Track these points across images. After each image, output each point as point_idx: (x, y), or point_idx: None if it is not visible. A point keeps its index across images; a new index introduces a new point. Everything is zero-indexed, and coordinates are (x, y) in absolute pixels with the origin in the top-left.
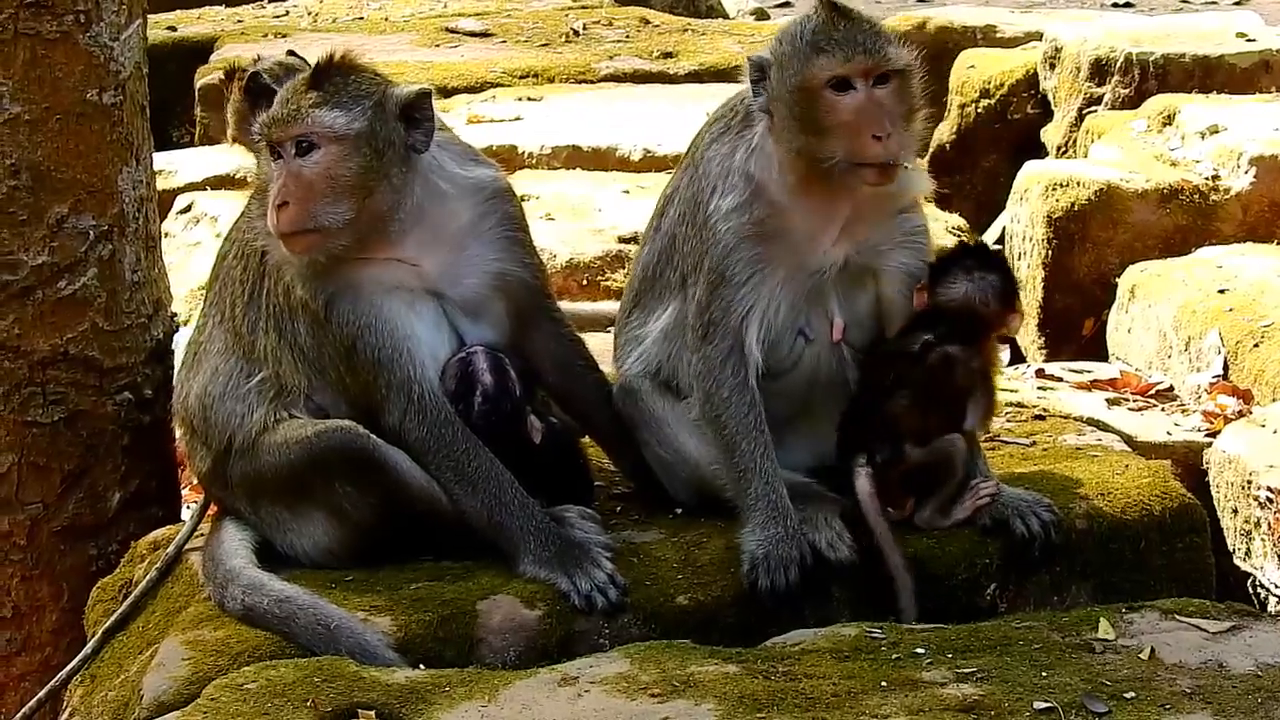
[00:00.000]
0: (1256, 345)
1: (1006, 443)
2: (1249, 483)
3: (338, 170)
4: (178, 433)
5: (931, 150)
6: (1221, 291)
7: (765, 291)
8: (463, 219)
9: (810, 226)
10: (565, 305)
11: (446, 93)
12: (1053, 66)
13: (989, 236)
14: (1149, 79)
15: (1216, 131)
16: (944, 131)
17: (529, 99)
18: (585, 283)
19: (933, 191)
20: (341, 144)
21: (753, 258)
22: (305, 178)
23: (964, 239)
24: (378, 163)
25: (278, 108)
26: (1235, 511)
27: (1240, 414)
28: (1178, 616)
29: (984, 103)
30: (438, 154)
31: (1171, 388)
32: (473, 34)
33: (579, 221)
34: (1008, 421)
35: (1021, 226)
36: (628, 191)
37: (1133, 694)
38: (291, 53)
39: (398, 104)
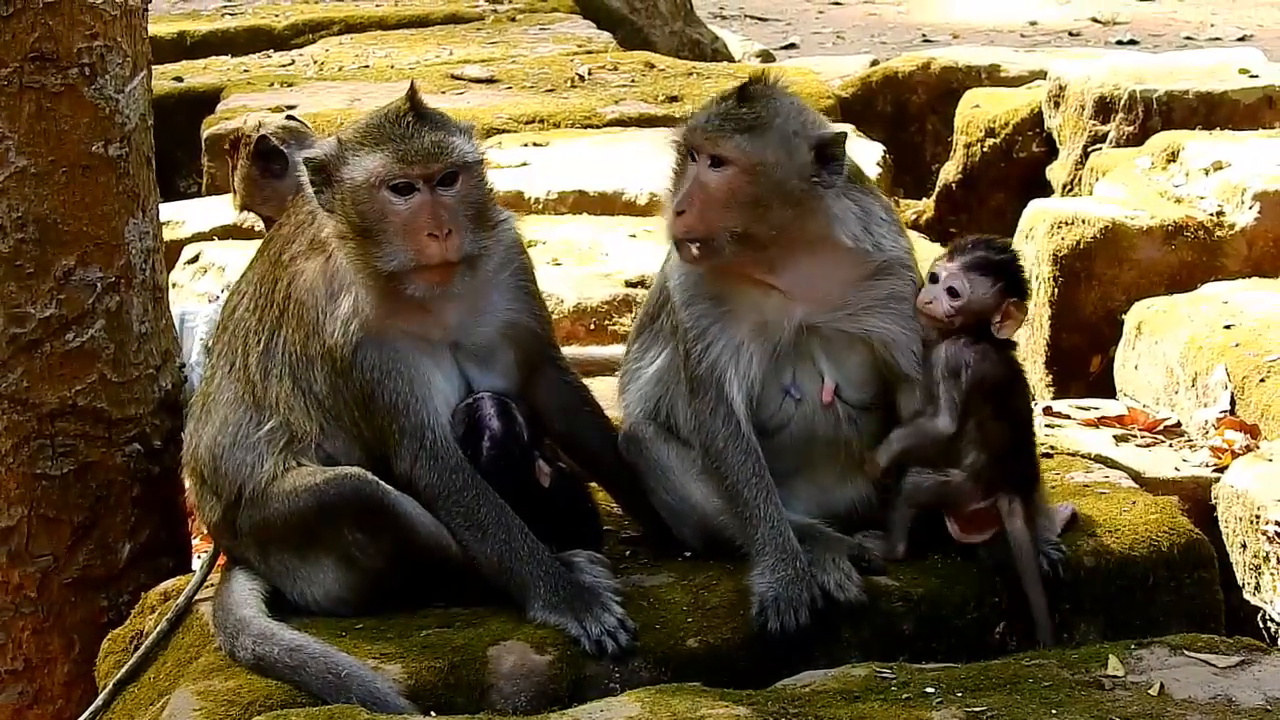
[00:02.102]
0: (1263, 380)
1: None
2: (1257, 517)
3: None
4: (188, 484)
5: (938, 189)
6: (1228, 327)
7: (731, 348)
8: (486, 271)
9: (751, 287)
10: (572, 350)
11: None
12: (1057, 105)
13: None
14: (1153, 116)
15: (1221, 168)
16: (950, 171)
17: (535, 145)
18: (592, 327)
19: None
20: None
21: (706, 313)
22: (454, 208)
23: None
24: None
25: None
26: (1244, 546)
27: (1248, 449)
28: (1187, 652)
29: (989, 142)
30: None
31: (1179, 424)
32: (478, 81)
33: (586, 266)
34: None
35: (1028, 265)
36: (634, 235)
37: None
38: (291, 116)
39: None
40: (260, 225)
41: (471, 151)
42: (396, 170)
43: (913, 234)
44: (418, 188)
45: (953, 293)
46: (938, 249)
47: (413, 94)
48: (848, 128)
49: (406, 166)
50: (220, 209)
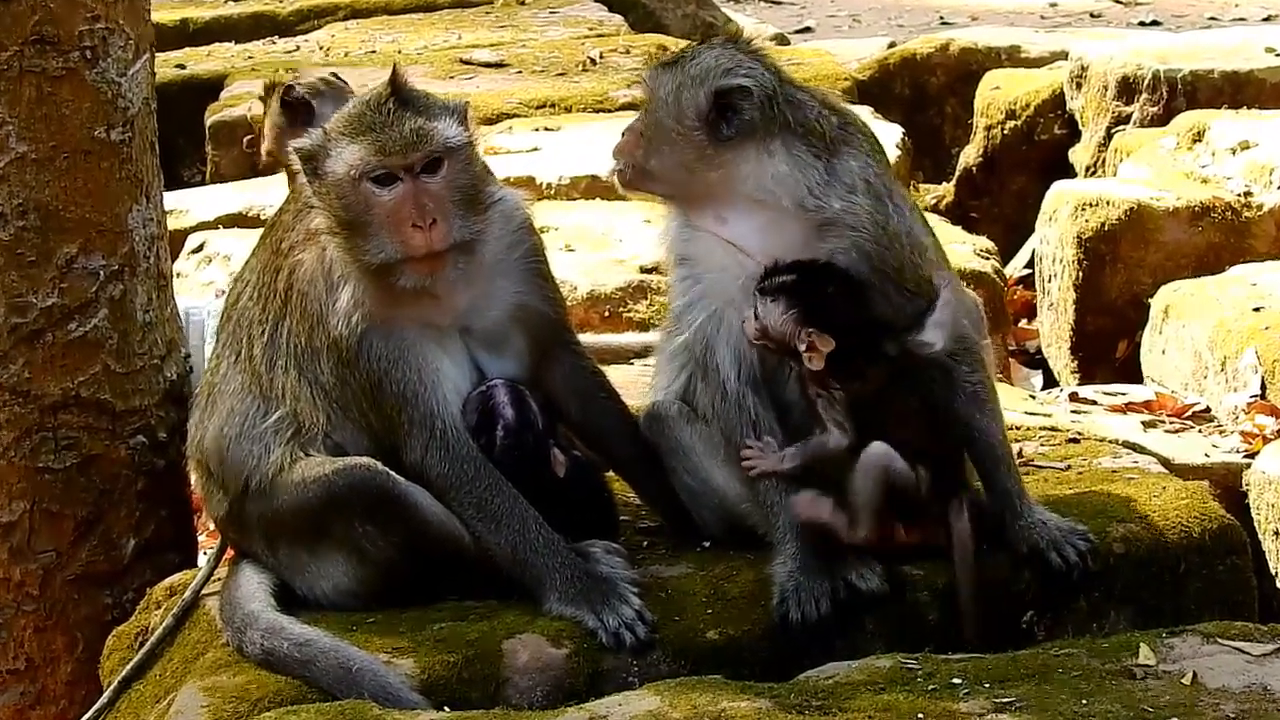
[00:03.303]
0: None
1: (1041, 467)
2: None
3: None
4: (193, 476)
5: (958, 173)
6: (1257, 309)
7: (714, 315)
8: (495, 251)
9: (719, 246)
10: (587, 338)
11: None
12: (1079, 86)
13: (1019, 260)
14: (1177, 96)
15: (1247, 147)
16: (970, 154)
17: (546, 129)
18: (607, 314)
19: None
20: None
21: (688, 276)
22: (437, 194)
23: (993, 262)
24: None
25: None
26: (1277, 533)
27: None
28: (1220, 640)
29: (1010, 124)
30: None
31: (1208, 409)
32: (488, 65)
33: (599, 252)
34: (1042, 446)
35: (1051, 248)
36: (649, 220)
37: None
38: (335, 74)
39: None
40: (270, 209)
41: (455, 135)
42: (375, 162)
43: (933, 218)
44: (400, 178)
45: (756, 317)
46: (959, 234)
47: (394, 78)
48: (865, 109)
49: (385, 157)
50: (225, 197)
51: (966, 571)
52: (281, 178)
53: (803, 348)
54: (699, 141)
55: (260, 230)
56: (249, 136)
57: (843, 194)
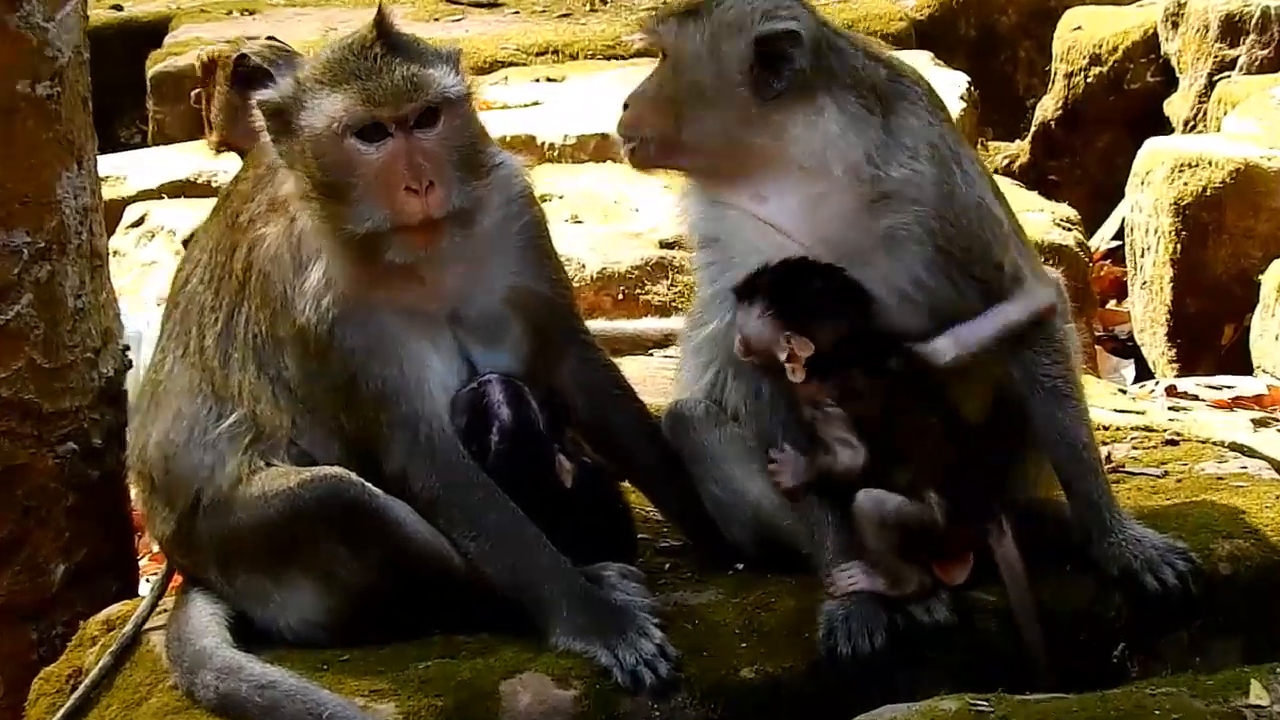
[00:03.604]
0: None
1: (1133, 474)
2: None
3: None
4: (134, 490)
5: (1033, 129)
6: None
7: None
8: (489, 224)
9: (747, 224)
10: (598, 325)
11: None
12: (1175, 26)
13: (1106, 230)
14: None
15: None
16: (1048, 106)
17: (548, 80)
18: (621, 297)
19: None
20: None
21: (712, 259)
22: (435, 152)
23: (1075, 233)
24: None
25: None
26: None
27: None
28: None
29: (1094, 71)
30: None
31: None
32: (479, 5)
33: (612, 224)
34: (1134, 449)
35: (1144, 217)
36: (668, 187)
37: None
38: (271, 38)
39: None
40: (224, 176)
41: (454, 84)
42: (363, 113)
43: (1004, 183)
44: (390, 132)
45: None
46: (1035, 200)
47: (381, 19)
48: (923, 55)
49: (375, 108)
50: (170, 161)
51: (1022, 603)
52: None
53: (783, 356)
54: (741, 101)
55: (213, 201)
56: (197, 90)
57: (903, 159)
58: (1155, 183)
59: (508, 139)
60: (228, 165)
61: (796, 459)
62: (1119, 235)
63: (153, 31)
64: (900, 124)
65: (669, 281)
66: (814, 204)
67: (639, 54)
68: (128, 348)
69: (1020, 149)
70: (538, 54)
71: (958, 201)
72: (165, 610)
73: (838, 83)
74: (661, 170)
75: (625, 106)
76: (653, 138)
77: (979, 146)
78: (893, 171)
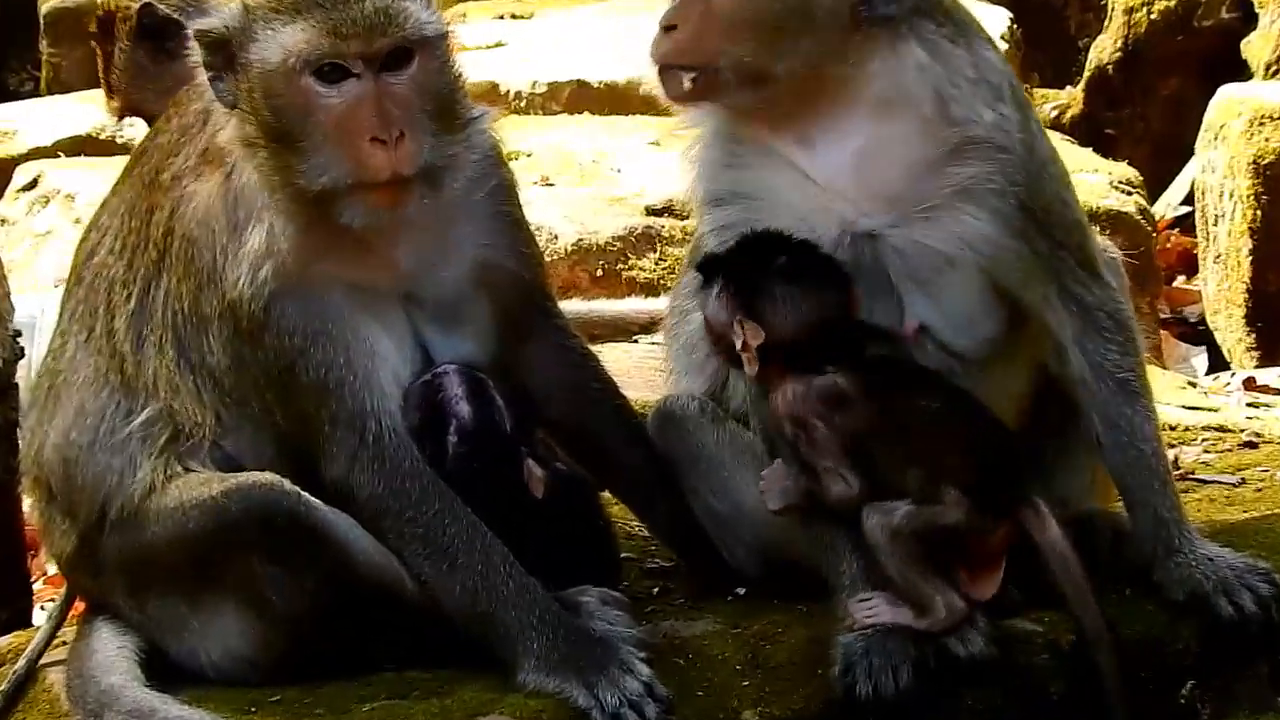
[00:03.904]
0: None
1: (1205, 482)
2: None
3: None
4: (28, 500)
5: (1088, 74)
6: None
7: None
8: (453, 189)
9: (784, 176)
10: (573, 305)
11: None
12: None
13: (1173, 194)
14: None
15: None
16: (1105, 47)
17: (513, 17)
18: (600, 273)
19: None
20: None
21: (730, 216)
22: (405, 97)
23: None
24: None
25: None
26: None
27: None
28: None
29: (1159, 6)
30: None
31: None
32: None
33: (589, 186)
34: (1206, 452)
35: (1218, 178)
36: (658, 143)
37: None
38: None
39: None
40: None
41: (432, 21)
42: (326, 47)
43: (1054, 138)
44: (356, 72)
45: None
46: (1090, 158)
47: None
48: None
49: (340, 42)
50: (67, 113)
51: (1081, 599)
52: None
53: (738, 344)
54: (841, 25)
55: (122, 160)
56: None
57: (989, 100)
58: (1231, 138)
59: (466, 87)
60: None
61: (785, 476)
62: (1188, 200)
63: None
64: (982, 59)
65: (656, 255)
66: (876, 150)
67: None
68: (19, 333)
69: (1072, 98)
70: None
71: (1037, 153)
72: (65, 642)
73: (921, 6)
74: (706, 106)
75: (668, 29)
76: (724, 65)
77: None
78: (984, 112)
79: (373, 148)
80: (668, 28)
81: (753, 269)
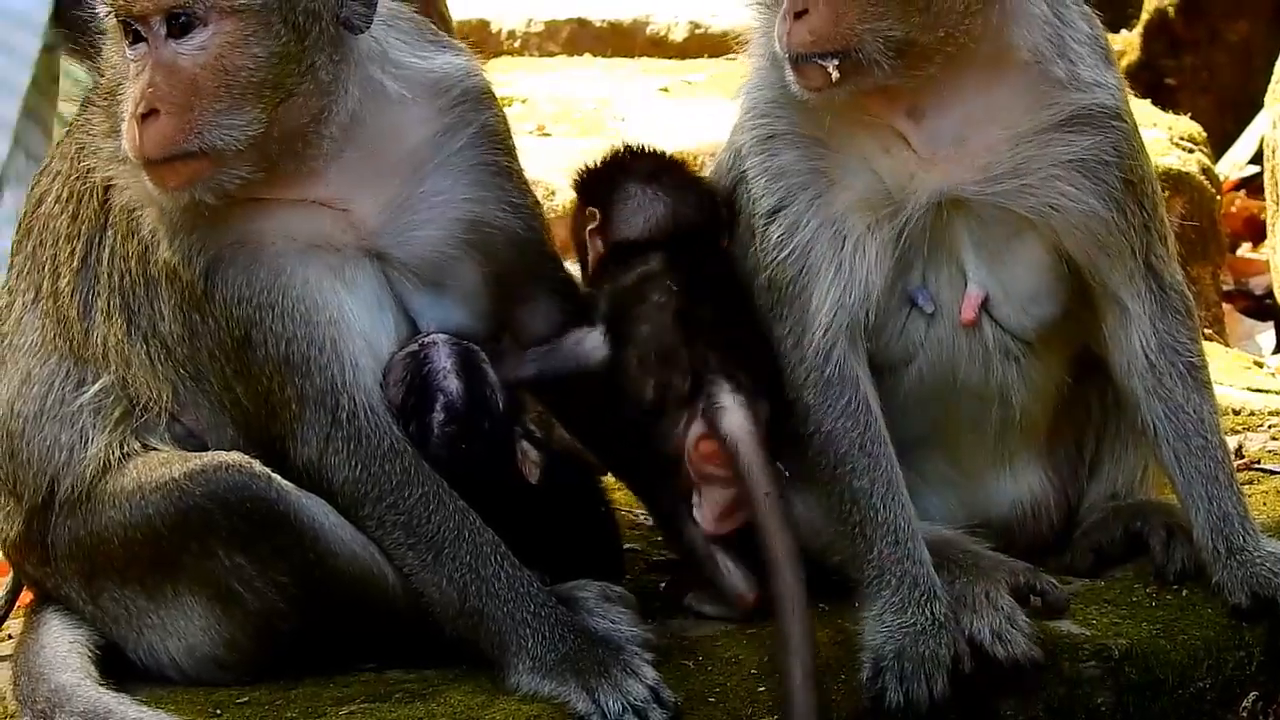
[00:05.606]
0: None
1: (1271, 472)
2: None
3: (235, 59)
4: None
5: (1145, 18)
6: None
7: (828, 231)
8: (418, 136)
9: (864, 133)
10: (577, 270)
11: None
12: None
13: (1240, 151)
14: None
15: None
16: None
17: None
18: None
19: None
20: (240, 18)
21: (792, 177)
22: (185, 72)
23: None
24: (296, 47)
25: None
26: None
27: None
28: None
29: None
30: (382, 34)
31: None
32: None
33: (591, 137)
34: (1273, 439)
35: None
36: (666, 89)
37: None
38: None
39: None
40: None
41: None
42: (110, 5)
43: None
44: (145, 37)
45: None
46: (1149, 111)
47: None
48: None
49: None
50: None
51: (770, 515)
52: None
53: (585, 233)
54: None
55: (74, 105)
56: None
57: (1102, 65)
58: None
59: (454, 26)
60: None
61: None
62: (1257, 159)
63: None
64: (1085, 11)
65: None
66: (985, 117)
67: None
68: None
69: (1127, 43)
70: None
71: (1129, 118)
72: (10, 636)
73: None
74: (847, 91)
75: (799, 14)
76: (868, 43)
77: None
78: (1108, 77)
79: (130, 123)
80: (799, 14)
81: (614, 168)
